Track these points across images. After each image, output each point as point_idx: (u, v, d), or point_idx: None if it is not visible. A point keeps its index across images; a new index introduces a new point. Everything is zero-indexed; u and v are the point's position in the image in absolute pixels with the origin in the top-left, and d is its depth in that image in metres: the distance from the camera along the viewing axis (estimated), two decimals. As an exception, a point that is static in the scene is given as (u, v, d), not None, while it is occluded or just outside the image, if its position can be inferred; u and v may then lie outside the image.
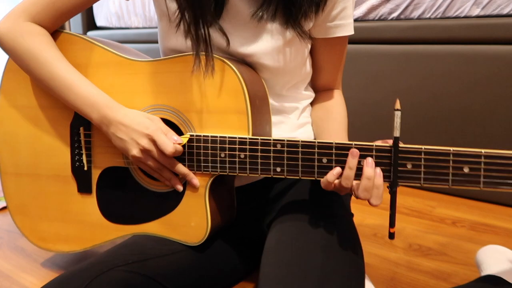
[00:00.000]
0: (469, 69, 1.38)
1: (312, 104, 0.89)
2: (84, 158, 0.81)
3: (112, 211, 0.81)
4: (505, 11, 1.31)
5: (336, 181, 0.63)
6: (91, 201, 0.82)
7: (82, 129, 0.80)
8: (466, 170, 0.57)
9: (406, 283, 0.91)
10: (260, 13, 0.70)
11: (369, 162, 0.61)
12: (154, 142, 0.68)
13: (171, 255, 0.72)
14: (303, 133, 0.84)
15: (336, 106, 0.85)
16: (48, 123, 0.84)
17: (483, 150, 0.56)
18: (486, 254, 0.85)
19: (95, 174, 0.81)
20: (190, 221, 0.74)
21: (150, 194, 0.77)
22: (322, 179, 0.64)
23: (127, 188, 0.79)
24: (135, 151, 0.69)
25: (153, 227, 0.78)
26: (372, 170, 0.60)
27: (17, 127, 0.86)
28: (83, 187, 0.82)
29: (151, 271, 0.67)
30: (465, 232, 1.16)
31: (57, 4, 0.76)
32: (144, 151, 0.69)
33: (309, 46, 0.81)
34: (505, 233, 1.15)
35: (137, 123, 0.69)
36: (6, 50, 0.77)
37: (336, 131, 0.80)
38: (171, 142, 0.68)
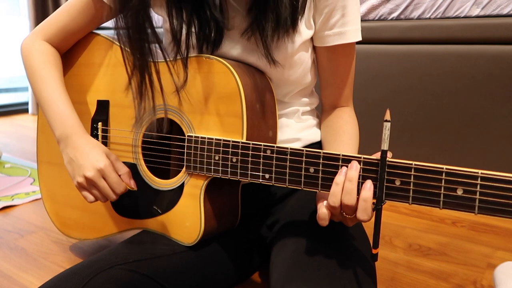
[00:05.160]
0: (469, 69, 1.38)
1: (320, 124, 0.86)
2: None
3: (121, 204, 0.83)
4: (505, 11, 1.31)
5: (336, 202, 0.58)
6: None
7: (100, 124, 0.84)
8: (459, 192, 0.52)
9: (406, 283, 0.91)
10: (250, 32, 0.71)
11: (353, 166, 0.57)
12: (105, 177, 0.73)
13: (172, 255, 0.72)
14: (309, 136, 0.84)
15: (345, 127, 0.80)
16: None
17: (479, 171, 0.50)
18: (503, 272, 0.82)
19: None
20: (185, 221, 0.74)
21: (154, 191, 0.78)
22: (319, 212, 0.60)
23: None
24: (79, 179, 0.74)
25: (154, 224, 0.78)
26: (355, 173, 0.57)
27: None
28: None
29: (151, 271, 0.67)
30: (465, 232, 1.16)
31: (69, 27, 0.84)
32: (89, 181, 0.73)
33: (313, 56, 0.81)
34: (505, 233, 1.15)
35: (92, 155, 0.74)
36: (22, 61, 0.85)
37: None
38: (122, 182, 0.74)
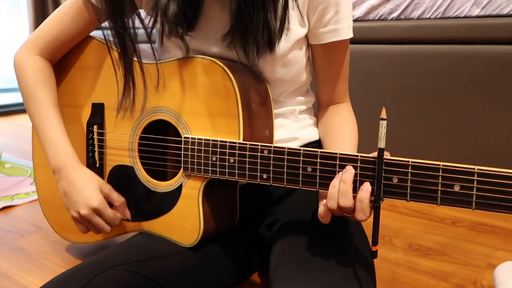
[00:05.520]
0: (469, 69, 1.38)
1: (318, 122, 0.87)
2: (96, 155, 0.85)
3: None
4: (505, 11, 1.31)
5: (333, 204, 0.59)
6: None
7: (96, 128, 0.84)
8: (456, 188, 0.52)
9: (406, 283, 0.91)
10: (228, 39, 0.71)
11: (348, 169, 0.58)
12: (99, 215, 0.76)
13: (172, 256, 0.72)
14: (307, 135, 0.83)
15: (343, 124, 0.81)
16: (69, 120, 0.87)
17: (476, 167, 0.51)
18: (503, 272, 0.82)
19: (106, 171, 0.84)
20: (184, 222, 0.74)
21: (152, 193, 0.78)
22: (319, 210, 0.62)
23: (132, 187, 0.80)
24: (74, 214, 0.77)
25: (154, 226, 0.78)
26: (349, 176, 0.57)
27: None
28: None
29: (151, 271, 0.67)
30: (465, 232, 1.16)
31: (62, 37, 0.83)
32: (83, 218, 0.76)
33: (308, 54, 0.81)
34: (505, 233, 1.15)
35: (86, 191, 0.75)
36: (16, 76, 0.85)
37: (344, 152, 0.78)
38: (117, 216, 0.77)
